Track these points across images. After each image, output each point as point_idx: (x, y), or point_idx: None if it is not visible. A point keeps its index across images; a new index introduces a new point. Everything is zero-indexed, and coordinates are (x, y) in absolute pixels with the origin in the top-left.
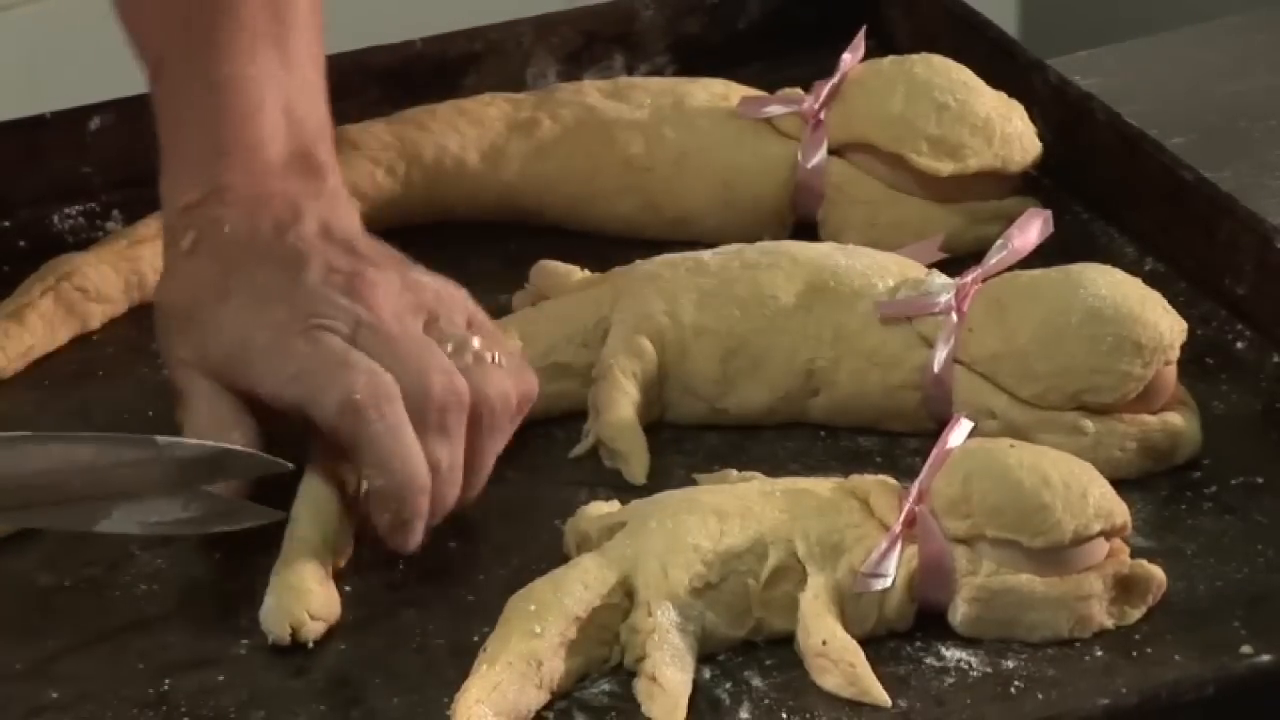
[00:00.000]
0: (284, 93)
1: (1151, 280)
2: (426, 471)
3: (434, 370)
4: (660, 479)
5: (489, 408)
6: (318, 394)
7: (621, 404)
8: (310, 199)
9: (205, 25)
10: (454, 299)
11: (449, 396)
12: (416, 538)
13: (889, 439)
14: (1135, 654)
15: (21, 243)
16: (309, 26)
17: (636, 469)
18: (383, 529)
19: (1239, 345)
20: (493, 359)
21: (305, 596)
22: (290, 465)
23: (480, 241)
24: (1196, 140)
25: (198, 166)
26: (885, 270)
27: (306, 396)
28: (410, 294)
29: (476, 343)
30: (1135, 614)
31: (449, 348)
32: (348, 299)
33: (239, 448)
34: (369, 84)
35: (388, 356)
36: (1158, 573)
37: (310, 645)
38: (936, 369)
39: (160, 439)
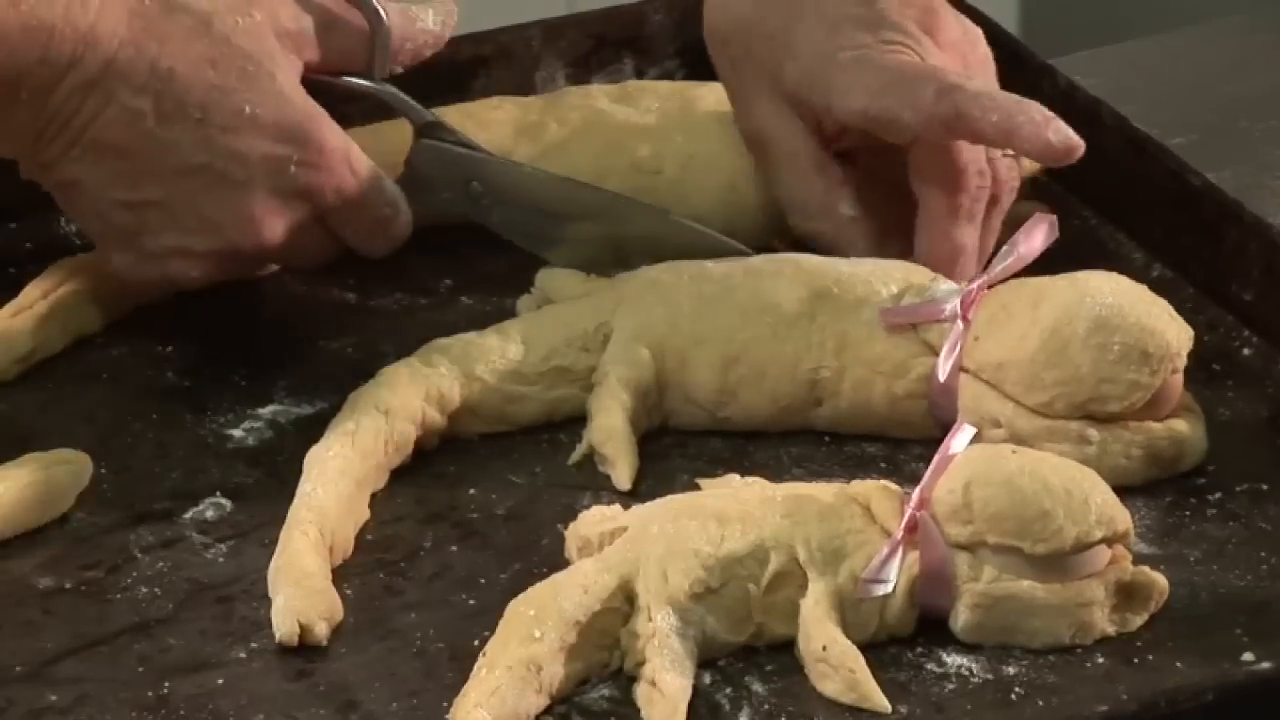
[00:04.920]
0: None
1: (1159, 286)
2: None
3: (974, 164)
4: (663, 483)
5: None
6: (910, 93)
7: (612, 410)
8: None
9: None
10: (991, 71)
11: (980, 192)
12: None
13: (893, 444)
14: (1136, 661)
15: (28, 245)
16: None
17: (623, 475)
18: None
19: (1245, 352)
20: (1009, 154)
21: (314, 597)
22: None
23: (487, 245)
24: (1196, 140)
25: None
26: (889, 276)
27: (897, 103)
28: (967, 45)
29: None
30: (1137, 621)
31: None
32: (925, 36)
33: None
34: None
35: None
36: (1160, 579)
37: (324, 644)
38: (942, 377)
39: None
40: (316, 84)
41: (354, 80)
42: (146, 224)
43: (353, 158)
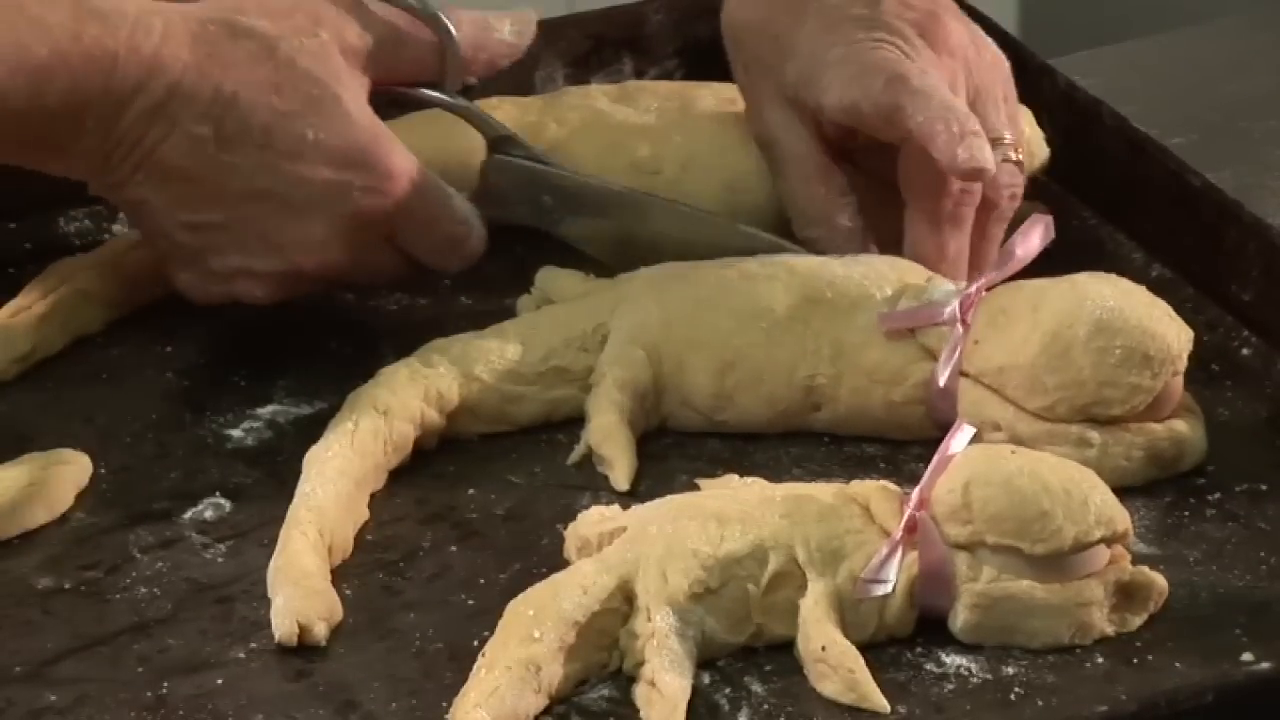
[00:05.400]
0: None
1: (1158, 286)
2: (965, 108)
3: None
4: (662, 483)
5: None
6: (869, 83)
7: (609, 411)
8: None
9: None
10: (1001, 77)
11: (968, 197)
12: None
13: (893, 445)
14: (1136, 661)
15: (27, 245)
16: None
17: (621, 475)
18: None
19: (1245, 352)
20: (1015, 159)
21: (313, 597)
22: None
23: (487, 245)
24: (1196, 140)
25: None
26: (883, 278)
27: (860, 94)
28: (973, 52)
29: (1007, 135)
30: (1136, 621)
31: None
32: (921, 40)
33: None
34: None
35: None
36: (1159, 580)
37: (323, 644)
38: (942, 382)
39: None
40: (388, 97)
41: (426, 93)
42: (211, 245)
43: (419, 178)
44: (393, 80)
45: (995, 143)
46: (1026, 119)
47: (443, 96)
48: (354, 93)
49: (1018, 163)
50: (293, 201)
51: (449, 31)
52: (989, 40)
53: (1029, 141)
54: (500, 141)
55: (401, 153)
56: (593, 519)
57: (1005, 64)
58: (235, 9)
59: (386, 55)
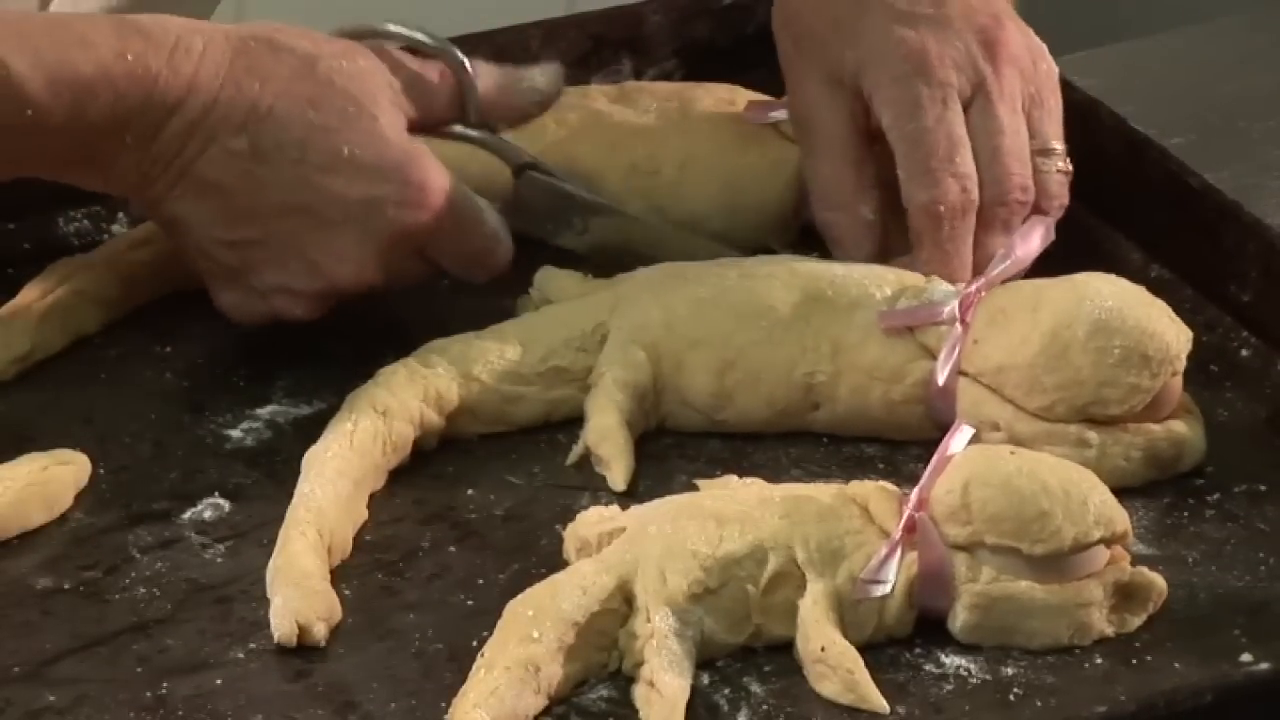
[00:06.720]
0: None
1: (1157, 287)
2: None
3: (1018, 179)
4: (661, 484)
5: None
6: (914, 171)
7: (608, 411)
8: None
9: None
10: (1052, 86)
11: (1020, 207)
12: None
13: (892, 445)
14: (1135, 661)
15: (26, 245)
16: None
17: (618, 475)
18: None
19: (1244, 352)
20: (1065, 169)
21: (312, 598)
22: None
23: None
24: (1196, 140)
25: None
26: (883, 280)
27: (906, 154)
28: (1028, 58)
29: (1057, 145)
30: (1135, 621)
31: (1038, 144)
32: (981, 52)
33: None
34: None
35: (987, 149)
36: (1158, 580)
37: (323, 644)
38: (941, 381)
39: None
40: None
41: (448, 128)
42: (249, 262)
43: (453, 194)
44: (416, 125)
45: (1047, 153)
46: None
47: (465, 130)
48: (390, 115)
49: (1066, 173)
50: (327, 217)
51: (463, 66)
52: (1043, 48)
53: None
54: (523, 169)
55: (436, 168)
56: (592, 519)
57: (1055, 74)
58: (278, 29)
59: (415, 100)
